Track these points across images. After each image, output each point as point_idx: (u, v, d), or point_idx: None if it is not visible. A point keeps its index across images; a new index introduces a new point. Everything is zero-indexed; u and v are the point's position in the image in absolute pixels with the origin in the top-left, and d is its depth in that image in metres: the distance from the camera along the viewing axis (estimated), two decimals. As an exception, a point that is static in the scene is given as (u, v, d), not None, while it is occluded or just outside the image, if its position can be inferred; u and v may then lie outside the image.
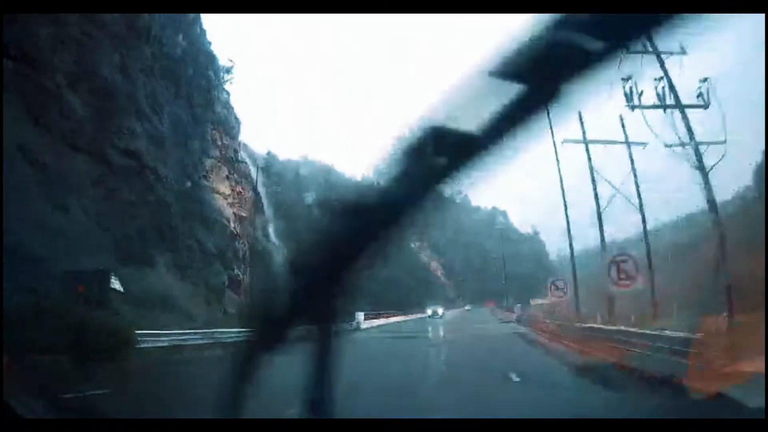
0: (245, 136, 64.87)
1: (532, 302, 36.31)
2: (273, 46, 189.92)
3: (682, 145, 10.65)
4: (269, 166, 66.51)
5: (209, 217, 24.97)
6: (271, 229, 38.48)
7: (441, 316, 49.73)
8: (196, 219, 23.80)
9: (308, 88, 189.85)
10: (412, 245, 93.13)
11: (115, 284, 15.98)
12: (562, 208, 19.51)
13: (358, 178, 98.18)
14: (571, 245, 17.93)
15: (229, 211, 27.03)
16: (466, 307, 79.36)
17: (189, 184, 24.51)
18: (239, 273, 26.04)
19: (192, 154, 26.13)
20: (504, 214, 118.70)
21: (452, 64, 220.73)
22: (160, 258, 20.34)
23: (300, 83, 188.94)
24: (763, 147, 16.25)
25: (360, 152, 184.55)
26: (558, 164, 17.26)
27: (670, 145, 10.81)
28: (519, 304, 36.97)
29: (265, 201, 46.12)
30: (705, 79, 10.65)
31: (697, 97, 10.77)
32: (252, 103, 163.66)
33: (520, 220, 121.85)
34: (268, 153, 69.16)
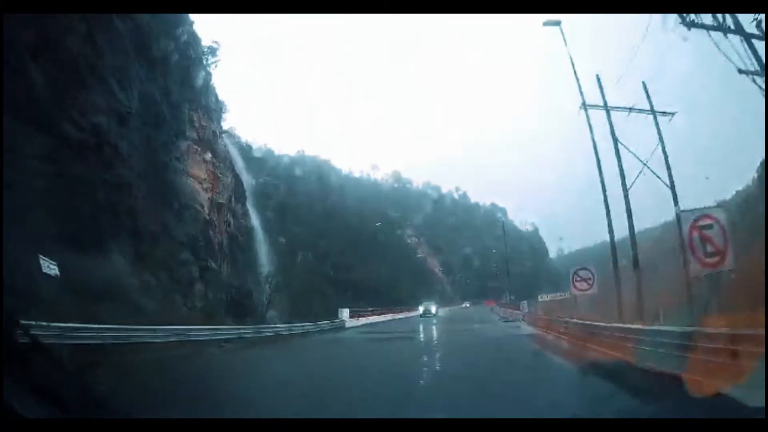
0: (243, 130, 63.01)
1: (541, 298, 32.44)
2: (273, 42, 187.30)
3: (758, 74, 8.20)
4: (264, 159, 64.75)
5: (179, 202, 22.63)
6: (255, 220, 36.19)
7: (434, 315, 44.74)
8: (163, 203, 21.52)
9: (307, 84, 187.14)
10: (409, 242, 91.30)
11: (51, 269, 13.78)
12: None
13: (356, 174, 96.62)
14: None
15: (203, 197, 24.69)
16: (465, 305, 77.20)
17: (157, 164, 22.25)
18: (213, 264, 23.76)
19: (163, 133, 23.83)
20: (503, 211, 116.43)
21: (452, 64, 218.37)
22: (114, 243, 18.06)
23: (298, 79, 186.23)
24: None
25: (358, 149, 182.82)
26: (590, 128, 14.46)
27: (745, 72, 8.41)
28: (525, 301, 32.08)
29: (250, 191, 44.00)
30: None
31: (757, 27, 8.49)
32: (250, 98, 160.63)
33: (520, 218, 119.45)
34: (252, 144, 66.83)
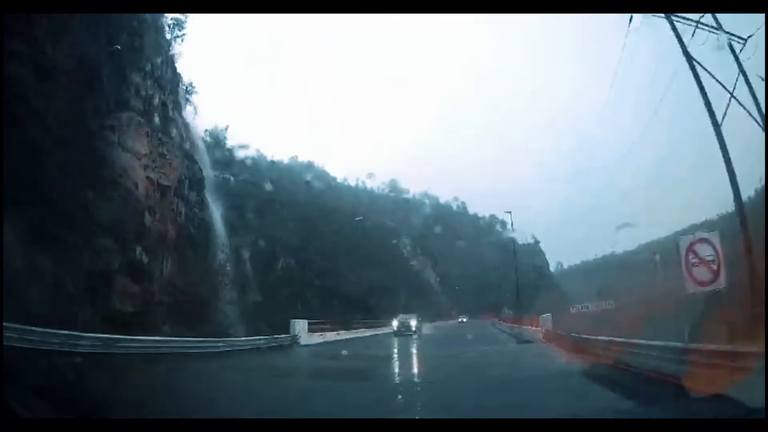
0: (231, 133, 59.35)
1: (574, 309, 25.48)
2: (274, 46, 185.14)
3: None
4: (248, 159, 61.18)
5: (105, 177, 18.52)
6: (215, 213, 31.94)
7: (414, 333, 34.17)
8: (85, 177, 17.43)
9: (305, 91, 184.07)
10: (404, 252, 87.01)
11: None
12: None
13: (351, 182, 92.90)
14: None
15: (140, 175, 20.44)
16: (461, 319, 72.23)
17: (85, 130, 18.24)
18: (144, 257, 19.46)
19: (98, 96, 19.92)
20: (503, 223, 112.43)
21: (451, 75, 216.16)
22: (6, 214, 13.89)
23: (295, 86, 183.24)
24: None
25: (354, 157, 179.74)
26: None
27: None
28: (549, 314, 24.09)
29: (227, 188, 40.35)
30: None
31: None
32: (247, 104, 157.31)
33: (520, 231, 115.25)
34: (236, 144, 62.93)
